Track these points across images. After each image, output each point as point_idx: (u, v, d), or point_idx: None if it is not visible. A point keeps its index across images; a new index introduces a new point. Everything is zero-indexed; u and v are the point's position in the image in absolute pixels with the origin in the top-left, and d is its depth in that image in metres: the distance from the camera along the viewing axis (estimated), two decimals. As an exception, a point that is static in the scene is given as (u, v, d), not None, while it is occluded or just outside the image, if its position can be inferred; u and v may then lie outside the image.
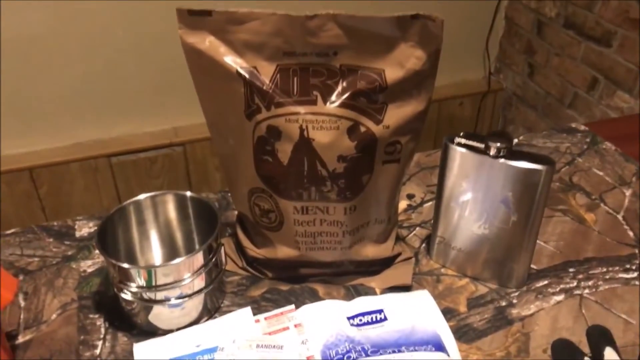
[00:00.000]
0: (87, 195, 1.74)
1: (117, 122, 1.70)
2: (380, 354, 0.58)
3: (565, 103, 1.82)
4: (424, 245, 0.74)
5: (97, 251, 0.72)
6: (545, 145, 0.93)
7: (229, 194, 0.76)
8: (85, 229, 0.77)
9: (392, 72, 0.56)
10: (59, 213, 1.72)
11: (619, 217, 0.78)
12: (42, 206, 1.68)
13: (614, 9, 1.57)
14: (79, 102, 1.61)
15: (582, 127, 0.98)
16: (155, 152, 1.74)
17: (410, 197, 0.82)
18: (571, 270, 0.70)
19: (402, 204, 0.80)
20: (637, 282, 0.68)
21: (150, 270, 0.58)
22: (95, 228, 0.76)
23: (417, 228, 0.77)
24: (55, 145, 1.64)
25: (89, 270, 0.70)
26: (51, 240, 0.75)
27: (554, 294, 0.66)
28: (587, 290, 0.67)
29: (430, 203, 0.81)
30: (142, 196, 0.65)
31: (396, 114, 0.58)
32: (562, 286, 0.67)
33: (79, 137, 1.67)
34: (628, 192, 0.82)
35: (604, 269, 0.70)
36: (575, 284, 0.68)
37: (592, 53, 1.68)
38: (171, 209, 0.67)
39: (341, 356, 0.58)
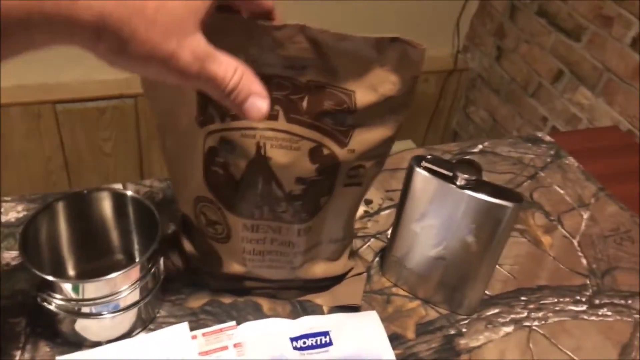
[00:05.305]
0: (29, 143, 1.64)
1: (65, 66, 1.58)
2: (322, 387, 0.55)
3: (529, 92, 1.80)
4: (377, 259, 0.71)
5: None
6: (510, 154, 0.91)
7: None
8: (12, 213, 0.70)
9: (364, 95, 0.51)
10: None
11: (575, 242, 0.77)
12: (-25, 152, 1.57)
13: (588, 4, 1.54)
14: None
15: (548, 138, 0.96)
16: (104, 103, 1.65)
17: (367, 202, 0.79)
18: (523, 298, 0.68)
19: (359, 211, 0.77)
20: (585, 316, 0.67)
21: (77, 285, 0.53)
22: (25, 214, 0.69)
23: (372, 239, 0.73)
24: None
25: (13, 263, 0.64)
26: (-28, 223, 0.68)
27: (503, 324, 0.65)
28: (536, 322, 0.66)
29: (388, 211, 0.78)
30: (74, 192, 0.59)
31: (363, 139, 0.53)
32: (512, 316, 0.66)
33: (23, 78, 1.56)
34: (585, 215, 0.81)
35: (555, 300, 0.69)
36: (525, 314, 0.67)
37: (561, 45, 1.66)
38: (107, 207, 0.62)
39: (281, 387, 0.55)
